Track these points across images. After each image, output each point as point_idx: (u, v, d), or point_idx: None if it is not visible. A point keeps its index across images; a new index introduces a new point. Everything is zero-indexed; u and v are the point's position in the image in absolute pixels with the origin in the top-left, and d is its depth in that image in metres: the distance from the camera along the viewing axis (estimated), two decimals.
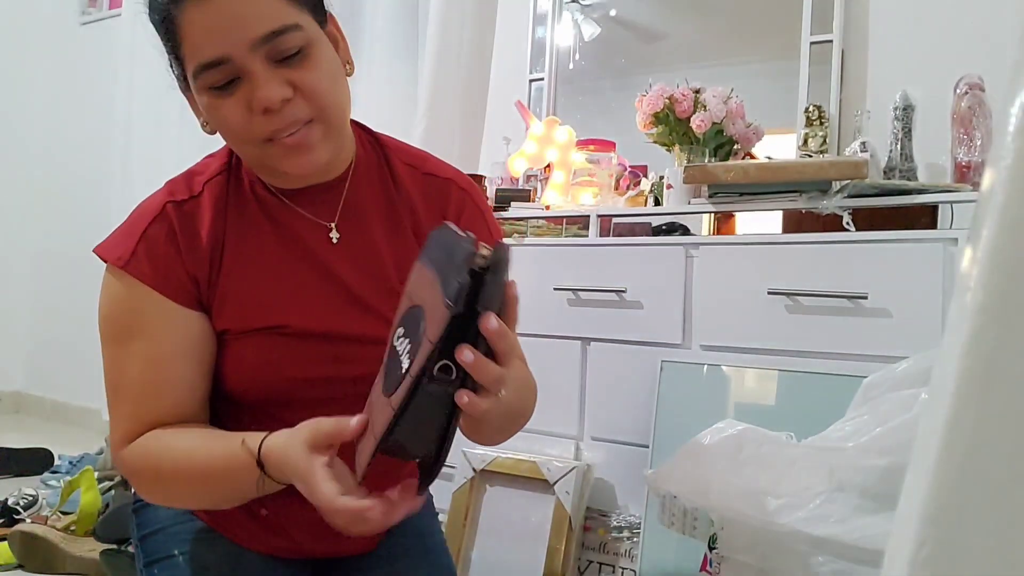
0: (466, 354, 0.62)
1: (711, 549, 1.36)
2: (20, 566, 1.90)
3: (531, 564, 1.65)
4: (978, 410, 0.32)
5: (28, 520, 2.02)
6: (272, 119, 0.84)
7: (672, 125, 1.94)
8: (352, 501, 0.71)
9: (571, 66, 2.48)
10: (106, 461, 2.49)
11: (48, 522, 1.97)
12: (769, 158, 1.93)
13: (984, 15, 1.84)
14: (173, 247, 0.91)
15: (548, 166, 2.08)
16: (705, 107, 1.89)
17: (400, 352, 0.66)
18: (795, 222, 1.63)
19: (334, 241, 0.97)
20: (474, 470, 1.76)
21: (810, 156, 1.90)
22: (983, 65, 1.63)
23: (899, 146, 1.72)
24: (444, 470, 1.87)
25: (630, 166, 2.08)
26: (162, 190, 0.96)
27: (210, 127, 0.91)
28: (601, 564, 1.65)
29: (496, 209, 1.92)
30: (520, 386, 0.92)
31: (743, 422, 1.24)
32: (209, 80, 0.84)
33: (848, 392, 1.24)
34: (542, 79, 2.49)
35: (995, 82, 1.63)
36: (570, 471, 1.65)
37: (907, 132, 1.72)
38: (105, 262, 0.92)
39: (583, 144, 2.08)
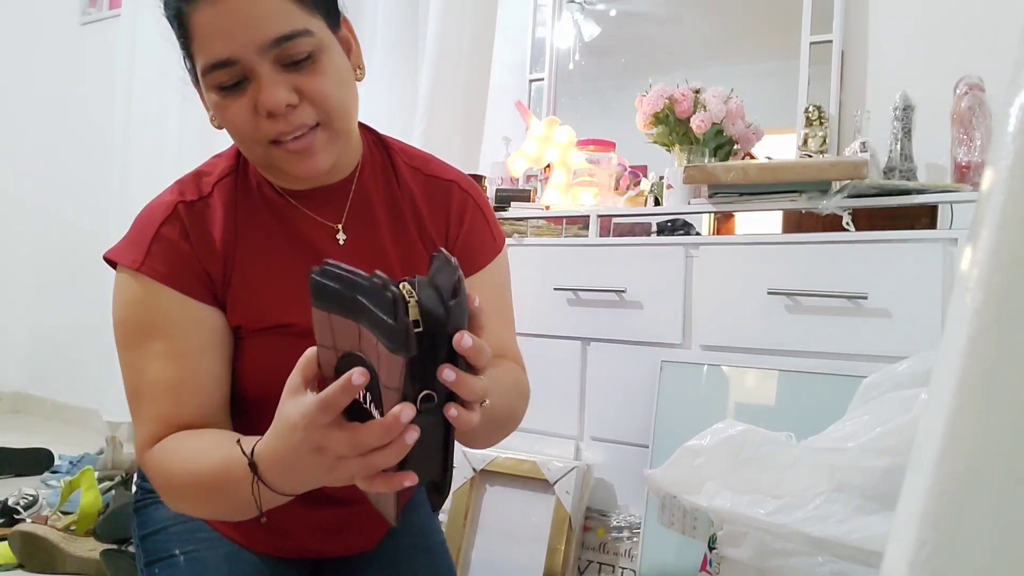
0: (447, 374, 0.61)
1: (711, 549, 1.36)
2: (20, 566, 1.90)
3: (531, 564, 1.65)
4: (978, 410, 0.32)
5: (28, 520, 2.02)
6: (277, 123, 0.84)
7: (672, 125, 1.94)
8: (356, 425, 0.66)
9: (571, 66, 2.49)
10: (106, 461, 2.50)
11: (48, 522, 1.97)
12: (769, 158, 1.93)
13: (984, 16, 1.84)
14: (187, 244, 0.91)
15: (548, 166, 2.08)
16: (705, 107, 1.89)
17: (362, 401, 0.65)
18: (795, 222, 1.63)
19: (340, 243, 0.97)
20: (474, 470, 1.76)
21: (810, 156, 1.90)
22: (983, 65, 1.63)
23: (899, 146, 1.72)
24: None
25: (630, 166, 2.09)
26: (171, 190, 0.95)
27: (217, 122, 0.91)
28: (601, 564, 1.65)
29: (496, 209, 1.92)
30: (506, 391, 0.92)
31: (743, 422, 1.24)
32: (217, 79, 0.84)
33: (848, 392, 1.24)
34: (542, 79, 2.49)
35: (995, 82, 1.63)
36: (570, 471, 1.65)
37: (907, 132, 1.72)
38: (116, 267, 0.91)
39: (583, 144, 2.08)
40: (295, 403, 0.67)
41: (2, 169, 3.79)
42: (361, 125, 1.02)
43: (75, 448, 2.87)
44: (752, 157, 1.96)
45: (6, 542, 1.94)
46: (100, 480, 2.16)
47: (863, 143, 1.72)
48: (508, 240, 1.83)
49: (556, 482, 1.65)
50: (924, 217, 1.48)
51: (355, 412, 0.65)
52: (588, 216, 1.80)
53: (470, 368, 0.63)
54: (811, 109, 1.94)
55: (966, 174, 1.56)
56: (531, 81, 2.50)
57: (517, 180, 2.13)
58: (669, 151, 1.98)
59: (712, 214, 1.79)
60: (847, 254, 1.43)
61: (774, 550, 1.12)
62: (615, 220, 1.90)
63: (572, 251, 1.77)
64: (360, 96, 0.96)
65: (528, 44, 2.52)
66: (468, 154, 2.22)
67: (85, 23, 3.73)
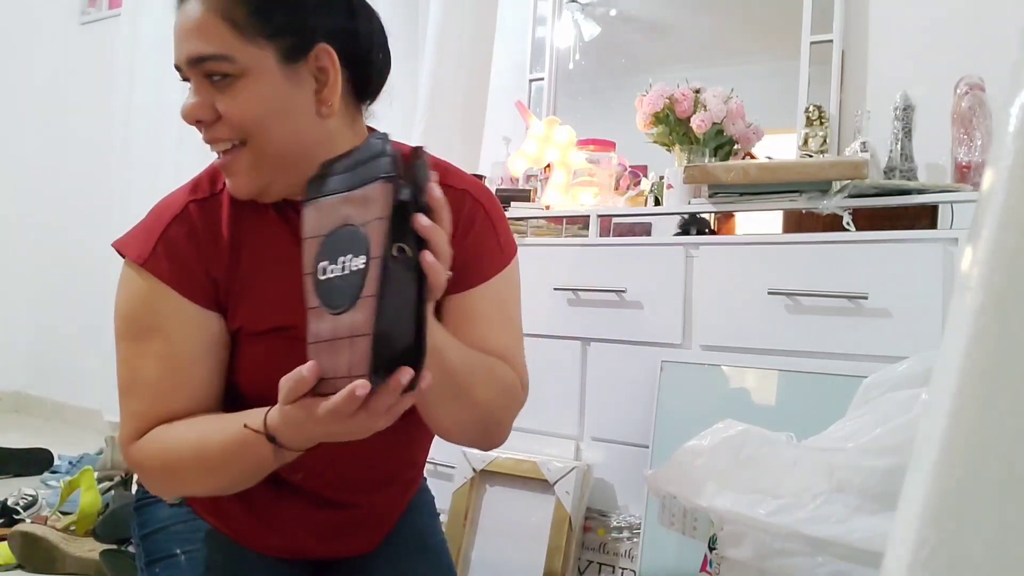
0: (421, 219, 0.68)
1: (711, 549, 1.36)
2: (20, 566, 1.90)
3: (531, 564, 1.65)
4: (978, 410, 0.32)
5: (28, 520, 2.02)
6: (202, 131, 0.89)
7: (672, 125, 1.94)
8: (329, 400, 0.70)
9: (571, 66, 2.48)
10: (106, 461, 2.49)
11: (48, 522, 1.97)
12: (769, 158, 1.93)
13: (984, 16, 1.84)
14: (193, 246, 0.91)
15: (548, 166, 2.08)
16: (705, 107, 1.88)
17: (339, 270, 0.69)
18: (795, 222, 1.63)
19: None
20: (474, 470, 1.76)
21: (810, 156, 1.90)
22: (983, 65, 1.63)
23: (899, 146, 1.72)
24: (444, 470, 1.87)
25: (630, 166, 2.08)
26: (187, 186, 0.97)
27: None
28: (601, 564, 1.65)
29: None
30: (491, 379, 0.92)
31: (743, 422, 1.24)
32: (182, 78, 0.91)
33: (848, 392, 1.24)
34: (542, 79, 2.49)
35: (995, 82, 1.63)
36: (570, 471, 1.65)
37: (907, 132, 1.72)
38: (124, 258, 0.93)
39: (583, 144, 2.08)
40: (298, 408, 0.73)
41: (2, 169, 3.79)
42: (371, 130, 1.01)
43: (75, 448, 2.87)
44: (752, 157, 1.96)
45: (5, 542, 1.94)
46: (100, 480, 2.16)
47: (863, 143, 1.72)
48: None
49: (556, 482, 1.65)
50: (924, 217, 1.48)
51: (338, 287, 0.70)
52: (588, 216, 1.80)
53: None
54: (811, 109, 1.94)
55: (966, 174, 1.56)
56: (531, 81, 2.50)
57: (517, 180, 2.13)
58: (669, 151, 1.98)
59: (712, 214, 1.79)
60: (847, 254, 1.43)
61: (774, 550, 1.12)
62: (615, 220, 1.90)
63: (572, 251, 1.77)
64: None
65: (528, 44, 2.52)
66: (468, 154, 2.21)
67: (85, 23, 3.74)
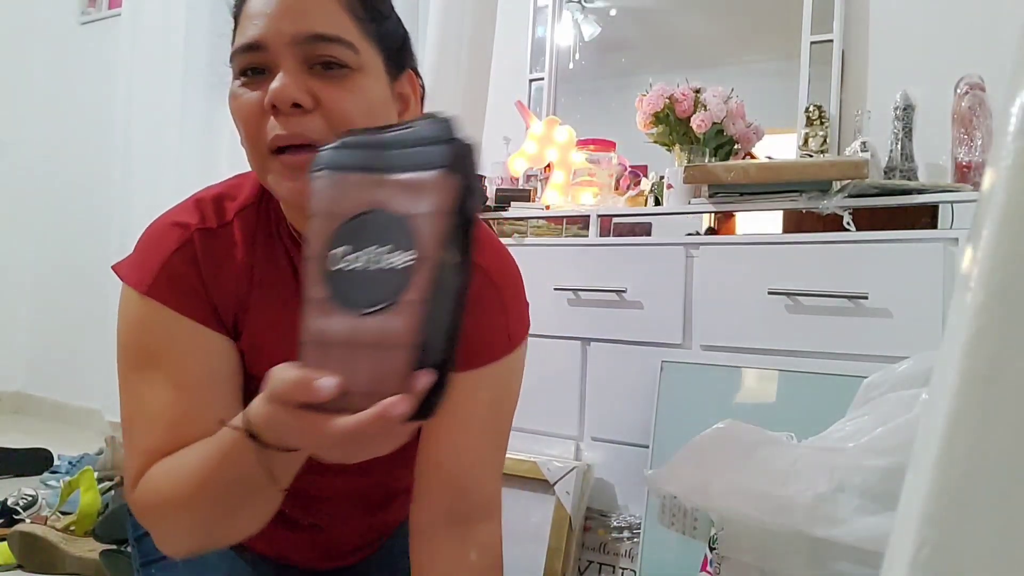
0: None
1: (711, 549, 1.36)
2: (20, 566, 1.90)
3: (531, 564, 1.65)
4: (979, 410, 0.32)
5: (28, 520, 2.02)
6: (280, 122, 0.75)
7: (672, 125, 1.93)
8: (350, 419, 0.57)
9: (571, 66, 2.48)
10: (106, 461, 2.49)
11: (48, 522, 1.96)
12: (769, 158, 1.93)
13: (984, 15, 1.84)
14: (198, 278, 0.83)
15: (548, 166, 2.07)
16: (705, 107, 1.88)
17: (366, 263, 0.58)
18: (795, 222, 1.63)
19: None
20: None
21: (810, 156, 1.90)
22: (983, 65, 1.63)
23: (899, 146, 1.72)
24: None
25: (630, 166, 2.08)
26: (190, 209, 0.86)
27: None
28: (601, 564, 1.65)
29: (496, 209, 1.92)
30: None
31: (743, 422, 1.24)
32: (241, 62, 0.77)
33: (848, 392, 1.24)
34: (542, 79, 2.49)
35: (996, 82, 1.63)
36: (570, 471, 1.65)
37: (907, 132, 1.72)
38: (125, 284, 0.84)
39: (583, 144, 2.08)
40: (295, 418, 0.59)
41: (1, 169, 3.79)
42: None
43: (74, 448, 2.86)
44: (752, 157, 1.96)
45: (5, 542, 1.94)
46: (99, 480, 2.16)
47: (864, 143, 1.72)
48: (508, 240, 1.83)
49: (556, 482, 1.65)
50: (925, 217, 1.48)
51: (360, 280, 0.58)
52: (588, 216, 1.80)
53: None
54: (812, 109, 1.94)
55: (967, 174, 1.56)
56: (531, 81, 2.50)
57: (517, 180, 2.13)
58: (669, 151, 1.98)
59: (712, 214, 1.79)
60: (848, 254, 1.43)
61: (775, 550, 1.12)
62: (615, 220, 1.90)
63: (572, 251, 1.77)
64: None
65: (528, 44, 2.52)
66: None
67: (84, 23, 3.73)
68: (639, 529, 1.57)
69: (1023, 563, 0.31)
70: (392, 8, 0.85)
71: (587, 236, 1.79)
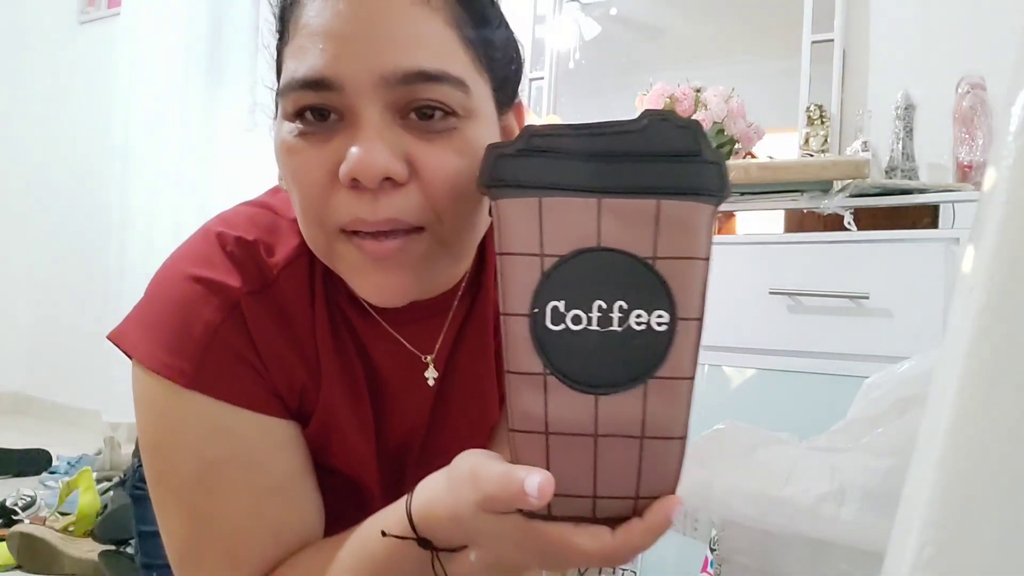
0: None
1: (712, 550, 1.36)
2: (19, 567, 1.90)
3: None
4: (981, 411, 0.32)
5: (27, 521, 2.02)
6: (360, 200, 0.54)
7: None
8: (630, 531, 0.46)
9: (571, 65, 2.48)
10: (105, 462, 2.49)
11: (47, 523, 1.96)
12: (770, 157, 1.93)
13: (986, 15, 1.83)
14: (253, 354, 0.63)
15: None
16: (706, 106, 1.88)
17: (598, 322, 0.43)
18: (796, 222, 1.63)
19: (430, 382, 0.71)
20: None
21: (811, 156, 1.90)
22: (984, 64, 1.63)
23: (900, 145, 1.71)
24: None
25: None
26: (222, 263, 0.63)
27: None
28: None
29: None
30: None
31: (743, 422, 1.23)
32: (301, 101, 0.55)
33: (849, 392, 1.23)
34: (542, 79, 2.48)
35: (997, 81, 1.62)
36: None
37: (908, 131, 1.72)
38: (150, 372, 0.61)
39: None
40: (489, 521, 0.48)
41: (0, 168, 3.79)
42: None
43: (73, 449, 2.86)
44: (753, 156, 1.96)
45: (4, 543, 1.94)
46: (98, 481, 2.16)
47: (864, 142, 1.72)
48: None
49: None
50: (926, 217, 1.48)
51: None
52: None
53: None
54: (812, 108, 1.94)
55: (968, 173, 1.56)
56: (531, 81, 2.50)
57: None
58: None
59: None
60: (849, 254, 1.43)
61: (775, 551, 1.12)
62: None
63: None
64: None
65: (528, 44, 2.52)
66: None
67: (84, 22, 3.73)
68: None
69: None
70: (503, 15, 0.65)
71: None
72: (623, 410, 0.44)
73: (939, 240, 1.35)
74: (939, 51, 1.89)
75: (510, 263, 0.44)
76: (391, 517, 0.56)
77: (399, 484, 0.74)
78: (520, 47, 0.67)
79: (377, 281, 0.57)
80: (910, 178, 1.67)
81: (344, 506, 0.68)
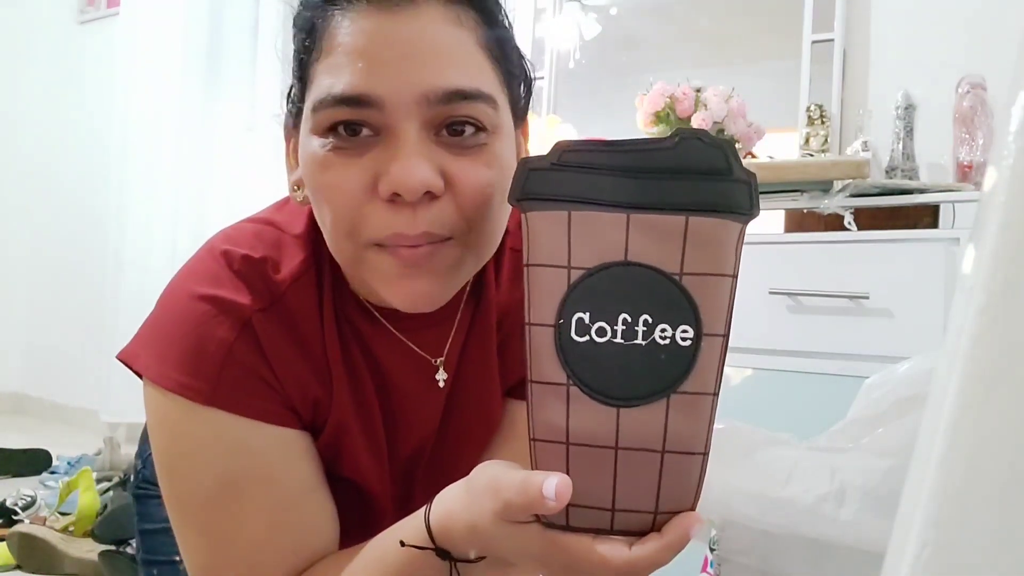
0: None
1: (711, 551, 1.36)
2: (19, 567, 1.90)
3: None
4: (981, 411, 0.32)
5: (27, 521, 2.02)
6: (399, 213, 0.56)
7: (673, 124, 1.93)
8: (641, 550, 0.46)
9: (571, 65, 2.48)
10: (104, 462, 2.50)
11: (47, 523, 1.96)
12: (771, 157, 1.93)
13: (986, 15, 1.83)
14: (267, 369, 0.65)
15: None
16: (706, 106, 1.88)
17: (623, 335, 0.44)
18: (796, 222, 1.62)
19: (440, 384, 0.72)
20: None
21: (812, 156, 1.90)
22: (985, 64, 1.63)
23: (901, 145, 1.71)
24: None
25: None
26: (230, 281, 0.65)
27: (301, 193, 0.63)
28: None
29: None
30: None
31: (743, 422, 1.23)
32: (336, 116, 0.56)
33: (849, 393, 1.23)
34: (542, 78, 2.48)
35: (997, 81, 1.62)
36: None
37: (909, 131, 1.72)
38: (165, 391, 0.62)
39: None
40: (508, 531, 0.48)
41: None
42: None
43: (73, 449, 2.86)
44: (753, 156, 1.96)
45: (4, 543, 1.94)
46: (98, 481, 2.16)
47: (865, 142, 1.72)
48: None
49: None
50: (926, 217, 1.48)
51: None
52: None
53: None
54: (813, 108, 1.94)
55: (968, 173, 1.56)
56: None
57: None
58: None
59: None
60: (849, 254, 1.43)
61: (775, 551, 1.11)
62: None
63: None
64: None
65: (528, 43, 2.52)
66: None
67: (83, 22, 3.73)
68: None
69: None
70: (513, 32, 0.67)
71: None
72: (645, 423, 0.44)
73: (939, 240, 1.35)
74: (939, 51, 1.89)
75: (538, 274, 0.45)
76: (409, 527, 0.58)
77: (409, 494, 0.76)
78: (531, 67, 0.69)
79: (408, 288, 0.59)
80: (910, 178, 1.67)
81: (354, 517, 0.69)
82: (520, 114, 0.66)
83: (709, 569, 1.38)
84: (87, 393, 3.30)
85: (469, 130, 0.57)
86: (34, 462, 2.76)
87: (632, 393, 0.44)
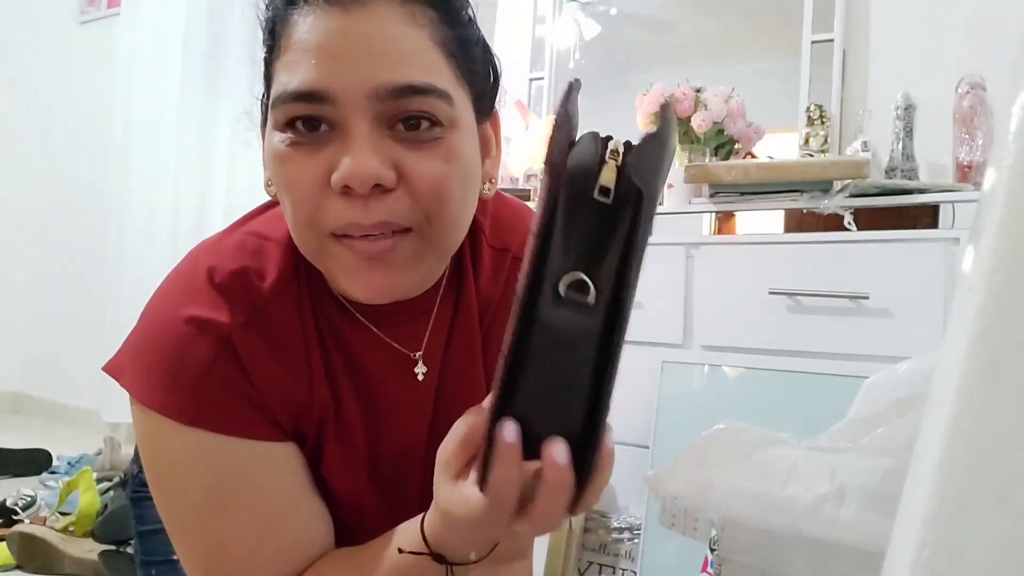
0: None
1: (712, 551, 1.36)
2: (19, 567, 1.90)
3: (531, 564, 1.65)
4: (980, 411, 0.32)
5: (27, 521, 2.02)
6: (352, 206, 0.58)
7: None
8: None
9: (571, 65, 2.48)
10: (104, 462, 2.49)
11: (47, 523, 1.96)
12: (770, 157, 1.93)
13: (986, 15, 1.83)
14: (248, 385, 0.66)
15: None
16: (706, 106, 1.88)
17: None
18: (796, 222, 1.63)
19: (419, 378, 0.74)
20: None
21: (811, 156, 1.89)
22: (984, 64, 1.63)
23: (900, 145, 1.71)
24: None
25: None
26: (209, 298, 0.66)
27: (274, 189, 0.65)
28: (601, 565, 1.64)
29: None
30: None
31: (743, 422, 1.23)
32: (291, 112, 0.58)
33: (849, 393, 1.23)
34: (542, 79, 2.48)
35: (997, 81, 1.62)
36: None
37: (908, 131, 1.72)
38: (150, 410, 0.64)
39: None
40: (452, 496, 0.51)
41: None
42: None
43: (73, 449, 2.86)
44: (753, 156, 1.96)
45: (4, 543, 1.94)
46: (98, 481, 2.16)
47: (864, 142, 1.72)
48: None
49: None
50: (926, 217, 1.48)
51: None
52: None
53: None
54: (812, 108, 1.94)
55: (968, 174, 1.56)
56: (531, 80, 2.50)
57: (517, 180, 2.13)
58: None
59: (713, 214, 1.79)
60: (849, 254, 1.43)
61: (775, 551, 1.11)
62: None
63: None
64: None
65: (528, 43, 2.52)
66: None
67: (83, 22, 3.73)
68: (639, 530, 1.57)
69: None
70: (480, 33, 0.69)
71: None
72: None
73: (939, 240, 1.35)
74: (939, 51, 1.89)
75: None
76: (407, 533, 0.60)
77: (403, 500, 0.76)
78: (497, 62, 0.71)
79: (367, 279, 0.60)
80: (910, 178, 1.67)
81: (338, 517, 0.70)
82: (484, 109, 0.68)
83: (709, 569, 1.38)
84: (87, 393, 3.30)
85: (424, 124, 0.59)
86: (34, 462, 2.76)
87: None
